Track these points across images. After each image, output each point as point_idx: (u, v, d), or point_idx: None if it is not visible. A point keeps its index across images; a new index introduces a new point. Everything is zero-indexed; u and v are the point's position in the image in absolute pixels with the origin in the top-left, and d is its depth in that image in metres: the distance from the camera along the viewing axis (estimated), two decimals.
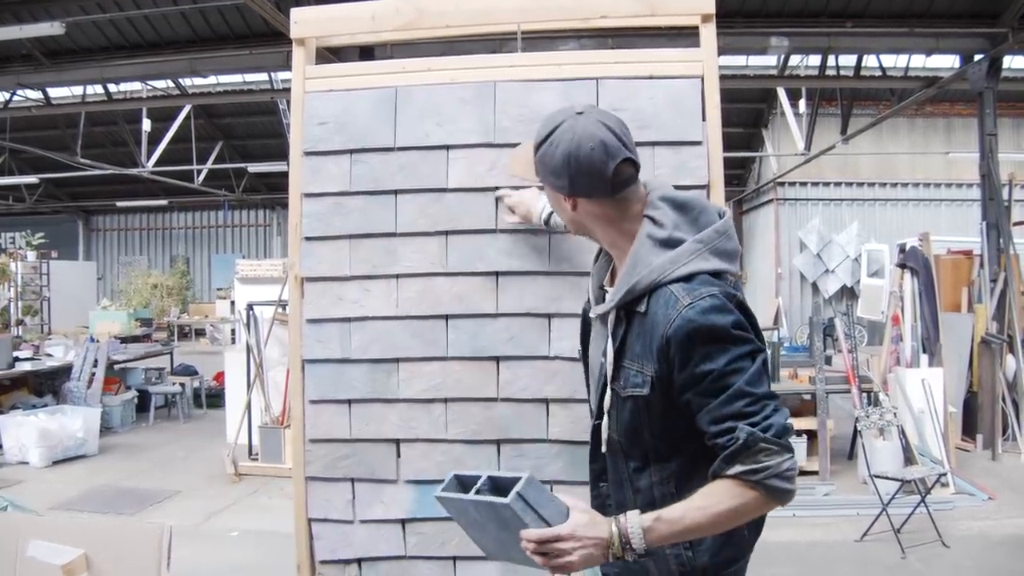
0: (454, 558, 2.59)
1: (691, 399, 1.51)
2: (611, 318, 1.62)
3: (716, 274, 1.56)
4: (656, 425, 1.58)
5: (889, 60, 12.02)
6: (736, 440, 1.44)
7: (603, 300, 1.73)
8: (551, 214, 2.15)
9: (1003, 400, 7.70)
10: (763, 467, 1.44)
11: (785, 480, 1.46)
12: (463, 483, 1.63)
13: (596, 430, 1.69)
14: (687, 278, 1.53)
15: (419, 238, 2.60)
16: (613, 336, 1.61)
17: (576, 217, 1.68)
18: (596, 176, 1.57)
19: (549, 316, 2.49)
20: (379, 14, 2.66)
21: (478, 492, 1.56)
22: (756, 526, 1.70)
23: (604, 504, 1.75)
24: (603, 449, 1.69)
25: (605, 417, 1.64)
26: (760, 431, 1.44)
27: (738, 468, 1.44)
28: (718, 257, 1.58)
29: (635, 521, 1.45)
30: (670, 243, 1.57)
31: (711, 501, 1.47)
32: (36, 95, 13.09)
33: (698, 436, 1.53)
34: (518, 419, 2.54)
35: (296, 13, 2.70)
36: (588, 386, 1.88)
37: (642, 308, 1.56)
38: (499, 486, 1.55)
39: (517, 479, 1.49)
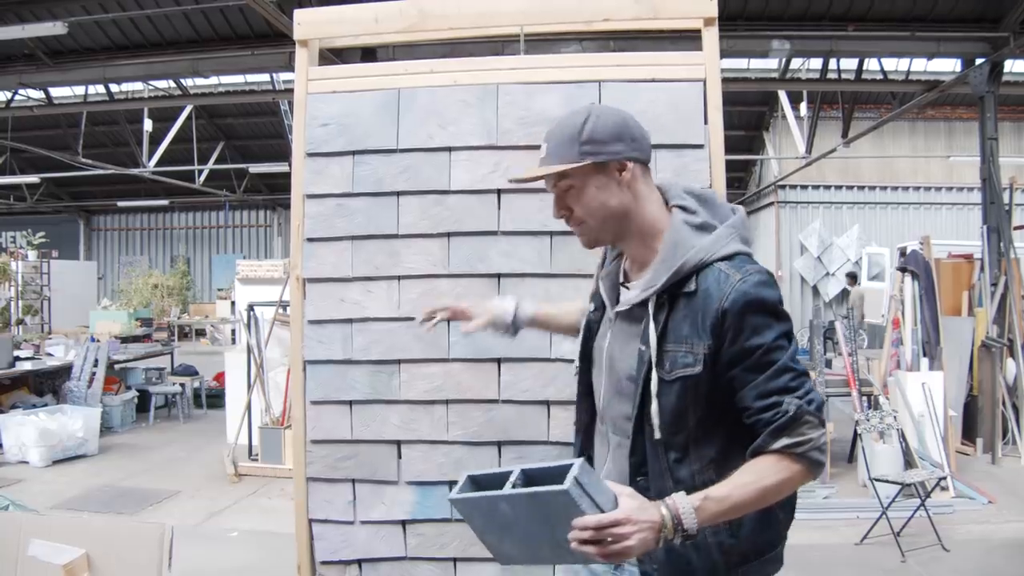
0: (454, 559, 2.60)
1: (737, 375, 1.54)
2: (652, 304, 1.62)
3: (748, 256, 1.63)
4: (701, 407, 1.60)
5: (890, 64, 12.02)
6: (785, 413, 1.49)
7: (617, 300, 1.75)
8: (515, 313, 2.07)
9: (1003, 404, 7.70)
10: (807, 439, 1.49)
11: (823, 453, 1.53)
12: (479, 483, 1.57)
13: (639, 421, 1.64)
14: (730, 257, 1.59)
15: (421, 240, 2.61)
16: (655, 320, 1.61)
17: (618, 197, 1.64)
18: (645, 140, 1.68)
19: None
20: (382, 16, 2.67)
21: (513, 486, 1.49)
22: (790, 507, 1.74)
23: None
24: (654, 436, 1.62)
25: (653, 402, 1.60)
26: (805, 403, 1.50)
27: (784, 441, 1.49)
28: (744, 243, 1.64)
29: (684, 501, 1.45)
30: (706, 228, 1.64)
31: (756, 476, 1.50)
32: (38, 95, 13.10)
33: (734, 420, 1.58)
34: (519, 421, 2.55)
35: (300, 15, 2.71)
36: (582, 389, 1.88)
37: (691, 288, 1.59)
38: (531, 478, 1.50)
39: (560, 467, 1.43)
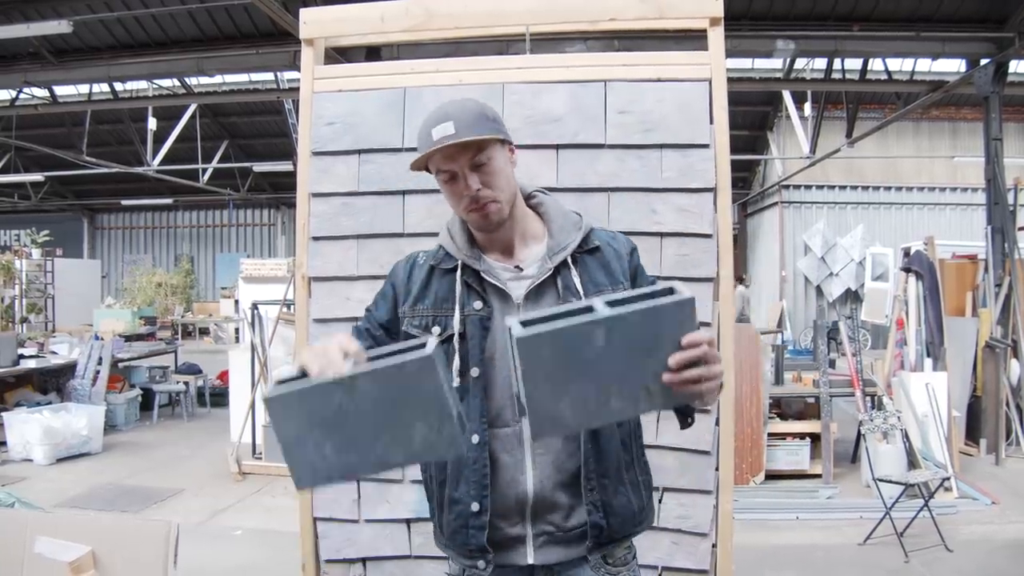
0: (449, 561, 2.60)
1: None
2: (571, 262, 1.73)
3: None
4: None
5: (895, 64, 12.00)
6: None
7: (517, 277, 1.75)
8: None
9: (1007, 405, 7.68)
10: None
11: None
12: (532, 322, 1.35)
13: None
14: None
15: (427, 239, 2.60)
16: (580, 278, 1.71)
17: (513, 177, 1.74)
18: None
19: None
20: (388, 15, 2.67)
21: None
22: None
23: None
24: None
25: None
26: None
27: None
28: None
29: None
30: None
31: None
32: (42, 93, 13.12)
33: None
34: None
35: (306, 13, 2.72)
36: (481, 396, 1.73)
37: (594, 244, 1.77)
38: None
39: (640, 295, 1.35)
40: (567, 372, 1.31)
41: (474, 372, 1.69)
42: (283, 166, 17.63)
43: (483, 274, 1.73)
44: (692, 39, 2.68)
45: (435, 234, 2.60)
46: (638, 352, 1.32)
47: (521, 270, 1.75)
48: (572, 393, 1.32)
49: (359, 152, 2.67)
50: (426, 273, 1.79)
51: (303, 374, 1.37)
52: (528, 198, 1.83)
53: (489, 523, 1.66)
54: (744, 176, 20.79)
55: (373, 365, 1.35)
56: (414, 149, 2.64)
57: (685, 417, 1.72)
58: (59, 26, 8.70)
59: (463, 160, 1.64)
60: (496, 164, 1.67)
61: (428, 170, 1.72)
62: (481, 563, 1.67)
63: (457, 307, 1.72)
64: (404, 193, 2.64)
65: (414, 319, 1.76)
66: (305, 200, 2.69)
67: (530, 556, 1.67)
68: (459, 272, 1.74)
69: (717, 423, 2.52)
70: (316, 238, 2.68)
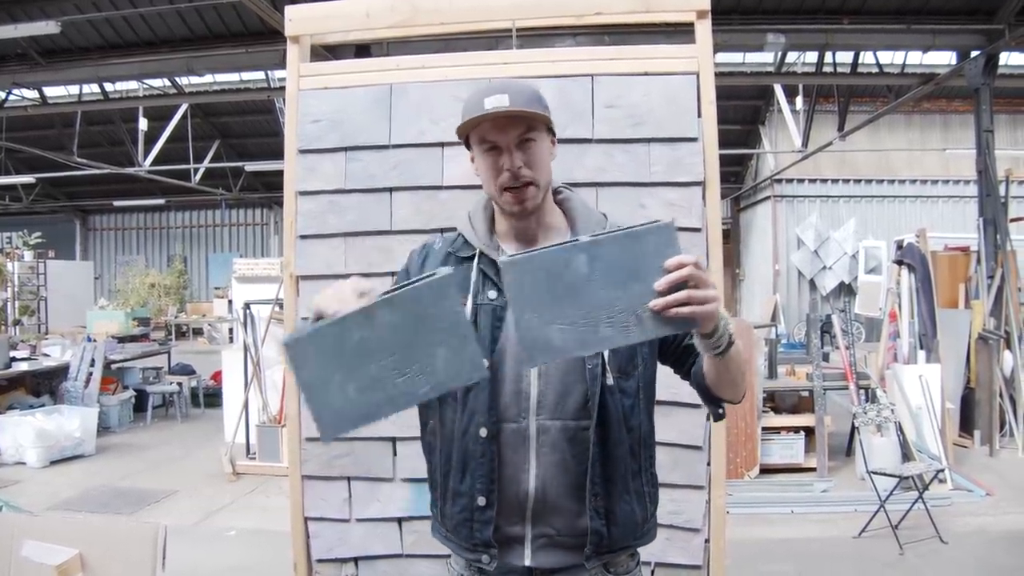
0: (449, 556, 2.59)
1: None
2: None
3: None
4: (645, 346, 1.67)
5: (886, 57, 12.02)
6: None
7: None
8: None
9: (1000, 396, 7.70)
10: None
11: None
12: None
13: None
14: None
15: (415, 235, 2.59)
16: None
17: (550, 169, 1.70)
18: None
19: None
20: (374, 11, 2.66)
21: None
22: None
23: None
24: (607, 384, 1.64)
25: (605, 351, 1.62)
26: None
27: None
28: None
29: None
30: None
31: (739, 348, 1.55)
32: (32, 94, 13.07)
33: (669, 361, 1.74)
34: None
35: (291, 10, 2.70)
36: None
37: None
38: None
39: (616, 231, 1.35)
40: (553, 297, 1.32)
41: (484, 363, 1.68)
42: (275, 165, 17.56)
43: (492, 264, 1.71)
44: (681, 33, 2.67)
45: (422, 231, 2.61)
46: (623, 278, 1.33)
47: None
48: (561, 319, 1.33)
49: (345, 150, 2.65)
50: (441, 259, 1.75)
51: (319, 319, 1.34)
52: (555, 193, 1.79)
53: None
54: (736, 170, 20.81)
55: (389, 294, 1.33)
56: (400, 146, 2.65)
57: (716, 407, 1.68)
58: (47, 26, 8.66)
59: (512, 134, 1.60)
60: (541, 147, 1.64)
61: (467, 145, 1.71)
62: (485, 557, 1.64)
63: (471, 295, 1.67)
64: (391, 190, 2.63)
65: None
66: (292, 198, 2.68)
67: (527, 558, 1.63)
68: (476, 260, 1.70)
69: (709, 418, 2.51)
70: (304, 236, 2.67)
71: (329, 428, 1.34)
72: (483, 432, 1.61)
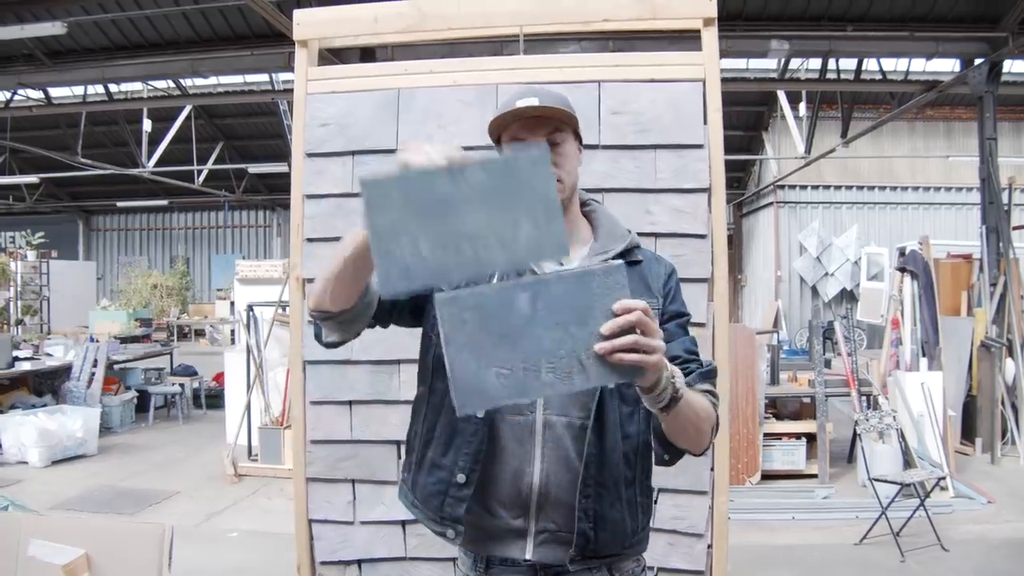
0: (454, 559, 2.59)
1: (671, 328, 1.68)
2: None
3: None
4: None
5: (889, 64, 12.03)
6: (710, 364, 1.69)
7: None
8: None
9: (1002, 404, 7.70)
10: (717, 393, 1.68)
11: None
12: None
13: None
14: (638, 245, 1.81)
15: None
16: None
17: (576, 172, 1.74)
18: None
19: None
20: (382, 16, 2.67)
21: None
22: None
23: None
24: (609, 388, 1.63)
25: None
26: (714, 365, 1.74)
27: (708, 386, 1.64)
28: None
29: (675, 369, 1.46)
30: None
31: (699, 398, 1.56)
32: (37, 95, 13.09)
33: None
34: None
35: (299, 15, 2.71)
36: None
37: (637, 257, 1.74)
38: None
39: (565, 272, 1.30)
40: (491, 339, 1.26)
41: None
42: (278, 167, 17.62)
43: None
44: (686, 39, 2.67)
45: None
46: (568, 321, 1.27)
47: (563, 266, 1.73)
48: (499, 363, 1.27)
49: (353, 153, 2.67)
50: None
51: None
52: (582, 204, 1.82)
53: (488, 510, 1.64)
54: (739, 176, 20.81)
55: (484, 155, 1.28)
56: None
57: (664, 452, 1.67)
58: (53, 27, 8.68)
59: (540, 133, 1.65)
60: (568, 148, 1.69)
61: (497, 145, 1.73)
62: (451, 532, 1.65)
63: None
64: None
65: None
66: (299, 202, 2.69)
67: (529, 551, 1.64)
68: None
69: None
70: (310, 239, 2.68)
71: (391, 282, 1.26)
72: (480, 413, 1.60)
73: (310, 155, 2.69)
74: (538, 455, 1.63)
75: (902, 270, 8.21)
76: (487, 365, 1.26)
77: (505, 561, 1.66)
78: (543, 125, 1.64)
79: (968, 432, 7.84)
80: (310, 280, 2.68)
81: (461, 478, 1.63)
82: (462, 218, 1.24)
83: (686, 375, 1.56)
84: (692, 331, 1.78)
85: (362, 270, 1.51)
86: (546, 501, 1.63)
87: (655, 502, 2.51)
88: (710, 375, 1.67)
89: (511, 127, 1.66)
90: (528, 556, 1.64)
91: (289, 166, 2.77)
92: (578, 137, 1.74)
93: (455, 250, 1.25)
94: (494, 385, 1.27)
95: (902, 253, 8.82)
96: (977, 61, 9.48)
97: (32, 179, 20.37)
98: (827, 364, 8.64)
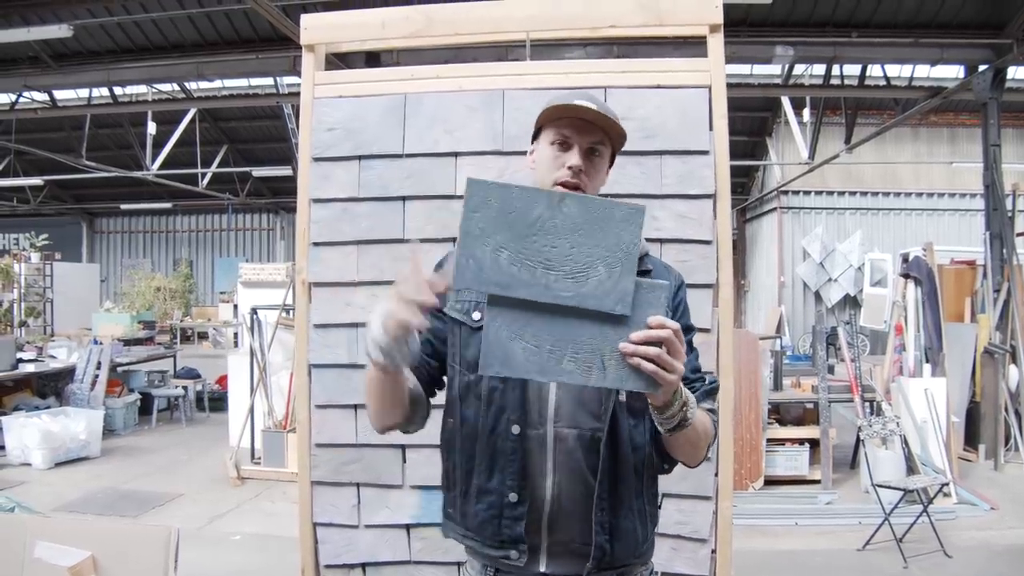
0: (458, 563, 2.60)
1: None
2: None
3: None
4: None
5: (894, 70, 12.02)
6: (712, 383, 1.72)
7: None
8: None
9: (1006, 410, 7.70)
10: (717, 411, 1.74)
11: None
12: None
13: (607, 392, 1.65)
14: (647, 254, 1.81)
15: (427, 244, 2.61)
16: None
17: (600, 188, 1.74)
18: None
19: None
20: (389, 21, 2.68)
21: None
22: None
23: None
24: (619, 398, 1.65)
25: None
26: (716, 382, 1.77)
27: (710, 404, 1.68)
28: None
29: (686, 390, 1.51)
30: None
31: (702, 418, 1.60)
32: (42, 97, 13.14)
33: None
34: None
35: (307, 19, 2.72)
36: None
37: (647, 267, 1.73)
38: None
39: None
40: (509, 231, 1.34)
41: None
42: (282, 171, 17.65)
43: None
44: (692, 45, 2.68)
45: (435, 240, 2.62)
46: (600, 324, 1.35)
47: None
48: (527, 337, 1.35)
49: (359, 158, 2.67)
50: None
51: None
52: None
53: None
54: (743, 182, 20.80)
55: (584, 195, 1.38)
56: (414, 155, 2.67)
57: (663, 463, 1.72)
58: (59, 30, 8.71)
59: (586, 137, 1.65)
60: (602, 162, 1.70)
61: (534, 137, 1.74)
62: (514, 553, 1.63)
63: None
64: (404, 199, 2.65)
65: (457, 303, 1.73)
66: (305, 206, 2.70)
67: (543, 564, 1.63)
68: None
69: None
70: (316, 243, 2.69)
71: (464, 278, 1.35)
72: (515, 429, 1.62)
73: (317, 159, 2.70)
74: (550, 468, 1.63)
75: (906, 276, 8.21)
76: (518, 337, 1.35)
77: (521, 572, 1.65)
78: (591, 132, 1.65)
79: (971, 438, 7.83)
80: (316, 284, 2.70)
81: (513, 497, 1.62)
82: (544, 243, 1.34)
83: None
84: (697, 336, 1.80)
85: (388, 396, 1.64)
86: (559, 513, 1.63)
87: (659, 507, 2.51)
88: (712, 393, 1.70)
89: (558, 122, 1.66)
90: (542, 568, 1.64)
91: (293, 170, 2.79)
92: (613, 155, 1.74)
93: (529, 269, 1.34)
94: (519, 357, 1.35)
95: (905, 259, 8.83)
96: (981, 67, 9.48)
97: (36, 181, 20.43)
98: (830, 370, 8.64)
